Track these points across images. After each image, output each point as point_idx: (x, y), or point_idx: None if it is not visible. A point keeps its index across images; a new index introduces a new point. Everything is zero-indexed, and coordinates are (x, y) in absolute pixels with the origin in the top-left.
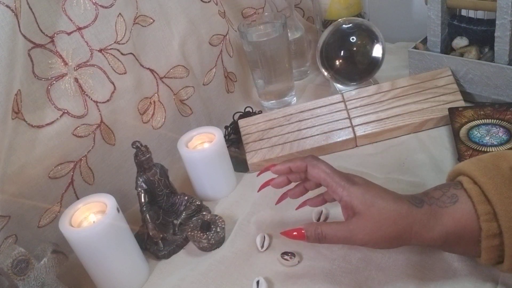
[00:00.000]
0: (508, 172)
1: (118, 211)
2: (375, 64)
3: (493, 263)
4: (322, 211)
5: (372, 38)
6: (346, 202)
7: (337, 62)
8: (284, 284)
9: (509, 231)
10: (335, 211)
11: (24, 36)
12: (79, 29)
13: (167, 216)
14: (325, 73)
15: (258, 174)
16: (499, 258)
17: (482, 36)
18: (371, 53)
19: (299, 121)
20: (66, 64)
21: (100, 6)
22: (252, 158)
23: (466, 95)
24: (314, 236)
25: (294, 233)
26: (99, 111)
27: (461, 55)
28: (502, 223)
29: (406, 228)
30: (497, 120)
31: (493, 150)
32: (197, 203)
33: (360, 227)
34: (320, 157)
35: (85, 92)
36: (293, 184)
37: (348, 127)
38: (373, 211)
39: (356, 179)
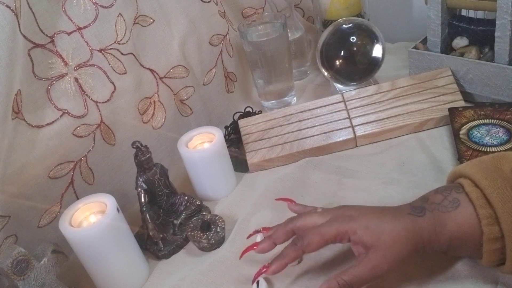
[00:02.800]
0: (509, 174)
1: (118, 211)
2: (375, 64)
3: (495, 265)
4: None
5: (372, 38)
6: (355, 242)
7: (337, 62)
8: (284, 284)
9: (511, 235)
10: None
11: (24, 36)
12: (79, 29)
13: (167, 216)
14: (325, 73)
15: (241, 256)
16: (501, 261)
17: (482, 36)
18: (371, 53)
19: (299, 121)
20: (66, 64)
21: (100, 6)
22: (252, 158)
23: (466, 95)
24: None
25: None
26: (99, 111)
27: (461, 55)
28: (503, 226)
29: (418, 240)
30: (497, 120)
31: (493, 150)
32: (197, 203)
33: (381, 260)
34: (320, 157)
35: (85, 92)
36: None
37: (348, 127)
38: (385, 238)
39: (349, 213)
